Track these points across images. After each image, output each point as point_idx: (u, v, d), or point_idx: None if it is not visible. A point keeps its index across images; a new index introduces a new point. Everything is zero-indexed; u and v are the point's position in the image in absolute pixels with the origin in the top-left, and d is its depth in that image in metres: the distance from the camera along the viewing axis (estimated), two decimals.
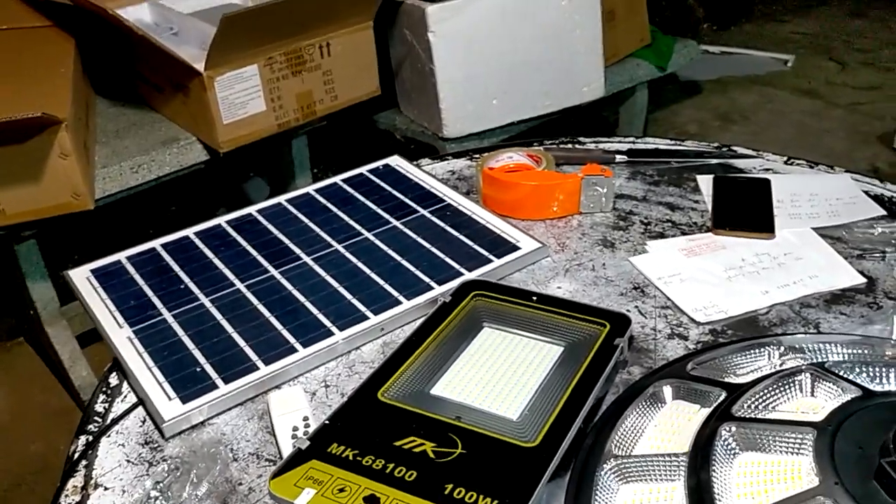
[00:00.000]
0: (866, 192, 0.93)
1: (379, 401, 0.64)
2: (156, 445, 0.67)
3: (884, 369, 0.60)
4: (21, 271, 1.46)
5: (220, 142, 1.40)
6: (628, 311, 0.78)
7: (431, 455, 0.58)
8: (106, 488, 0.63)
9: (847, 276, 0.80)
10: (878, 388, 0.57)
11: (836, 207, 0.90)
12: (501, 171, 0.96)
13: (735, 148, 1.04)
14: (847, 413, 0.54)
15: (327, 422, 0.62)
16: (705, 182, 0.96)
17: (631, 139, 1.08)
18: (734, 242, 0.86)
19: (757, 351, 0.67)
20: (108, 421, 0.69)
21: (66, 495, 0.63)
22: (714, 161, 1.01)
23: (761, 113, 2.62)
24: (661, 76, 2.25)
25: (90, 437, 0.68)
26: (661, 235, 0.89)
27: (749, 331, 0.74)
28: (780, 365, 0.67)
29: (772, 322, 0.75)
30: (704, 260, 0.84)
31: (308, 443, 0.60)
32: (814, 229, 0.87)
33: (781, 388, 0.60)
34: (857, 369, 0.60)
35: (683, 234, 0.89)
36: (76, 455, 0.66)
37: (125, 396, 0.72)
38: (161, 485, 0.62)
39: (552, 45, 1.79)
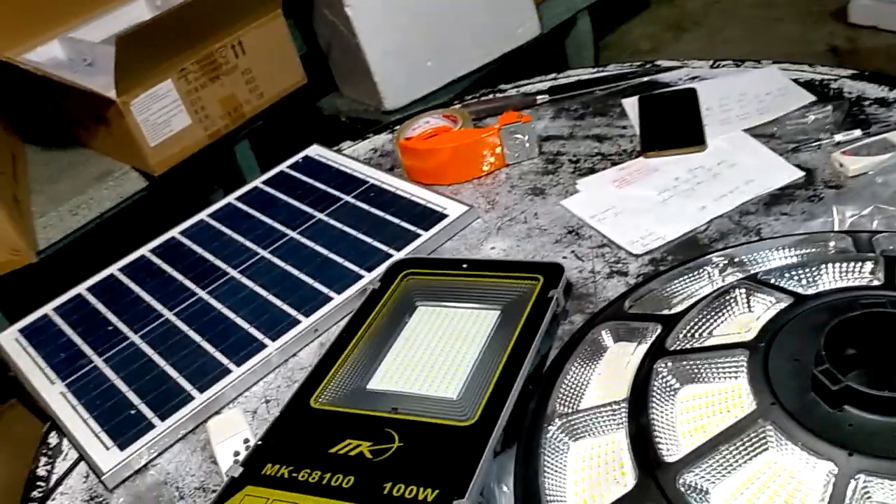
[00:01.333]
0: (796, 80, 0.88)
1: (312, 408, 0.61)
2: (101, 499, 0.64)
3: (816, 269, 0.57)
4: None
5: (152, 165, 1.36)
6: (564, 257, 0.75)
7: (368, 455, 0.56)
8: None
9: (784, 173, 0.76)
10: (810, 292, 0.54)
11: (766, 103, 0.86)
12: (420, 138, 0.92)
13: (658, 62, 0.99)
14: (778, 326, 0.51)
15: (260, 442, 0.59)
16: (630, 105, 0.92)
17: (552, 76, 1.03)
18: (666, 162, 0.82)
19: (694, 274, 0.64)
20: (52, 483, 0.67)
21: None
22: (639, 80, 0.97)
23: (711, 15, 2.55)
24: None
25: None
26: (592, 171, 0.85)
27: (690, 252, 0.71)
28: (722, 282, 0.63)
29: (711, 238, 0.72)
30: (637, 188, 0.80)
31: (241, 469, 0.57)
32: (746, 131, 0.83)
33: (717, 310, 0.57)
34: (789, 274, 0.56)
35: (614, 164, 0.85)
36: None
37: (66, 455, 0.69)
38: None
39: None
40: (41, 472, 0.69)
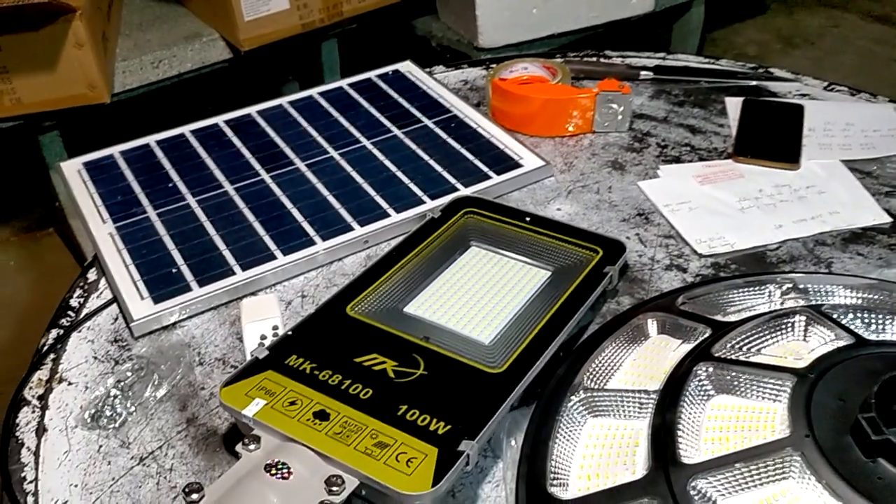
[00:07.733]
0: None
1: (347, 315, 0.62)
2: (124, 344, 0.66)
3: (885, 317, 0.55)
4: (45, 162, 1.46)
5: (241, 39, 1.36)
6: (628, 238, 0.74)
7: (391, 374, 0.56)
8: (70, 383, 0.62)
9: (870, 214, 0.74)
10: (872, 337, 0.53)
11: (872, 139, 0.83)
12: (514, 82, 0.91)
13: (772, 70, 0.96)
14: (833, 361, 0.50)
15: (290, 333, 0.60)
16: (734, 105, 0.89)
17: (661, 55, 1.01)
18: (754, 171, 0.80)
19: (756, 289, 0.63)
20: (81, 316, 0.69)
21: (31, 388, 0.62)
22: (748, 83, 0.94)
23: (826, 37, 2.47)
24: None
25: (61, 332, 0.67)
26: (677, 160, 0.83)
27: (754, 266, 0.70)
28: (780, 304, 0.62)
29: (780, 259, 0.70)
30: (718, 188, 0.78)
31: (266, 352, 0.58)
32: (843, 162, 0.80)
33: (771, 330, 0.56)
34: (855, 315, 0.55)
35: (701, 159, 0.83)
36: (45, 348, 0.66)
37: (101, 293, 0.71)
38: (123, 384, 0.61)
39: None
40: (74, 302, 0.70)
